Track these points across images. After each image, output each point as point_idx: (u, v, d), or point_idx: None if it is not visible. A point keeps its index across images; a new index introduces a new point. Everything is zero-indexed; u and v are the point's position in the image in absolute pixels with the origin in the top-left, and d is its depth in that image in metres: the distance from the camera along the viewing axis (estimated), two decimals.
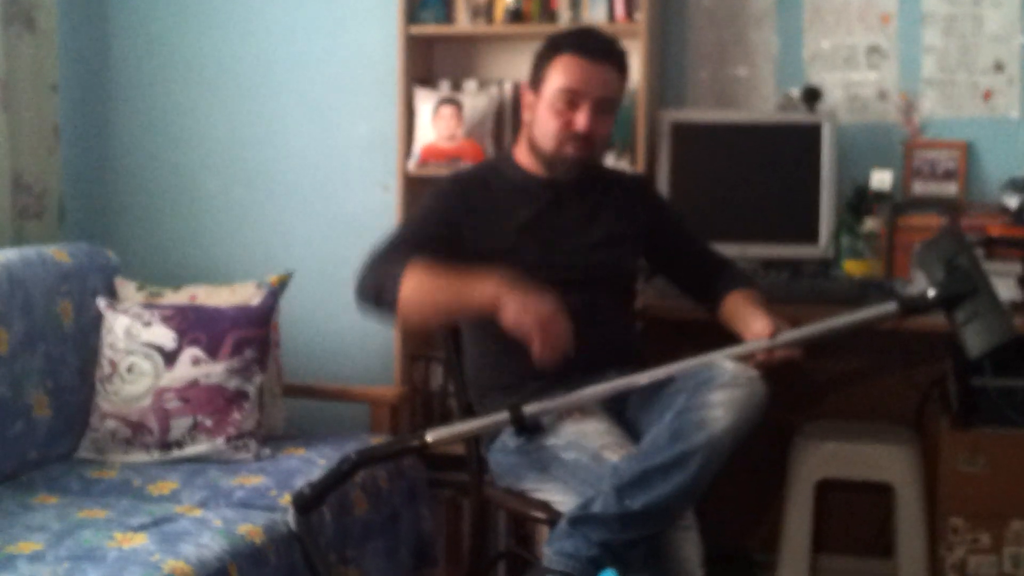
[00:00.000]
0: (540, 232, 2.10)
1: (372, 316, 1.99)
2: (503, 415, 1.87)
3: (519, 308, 1.76)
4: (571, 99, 2.02)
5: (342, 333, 2.96)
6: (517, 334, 1.77)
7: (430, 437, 1.87)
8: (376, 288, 1.93)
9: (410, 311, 1.91)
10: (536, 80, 2.08)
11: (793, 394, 2.60)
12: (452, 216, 2.07)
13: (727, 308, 2.10)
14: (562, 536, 1.80)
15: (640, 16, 2.59)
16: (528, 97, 2.11)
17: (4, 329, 2.22)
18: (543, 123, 2.05)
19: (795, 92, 2.74)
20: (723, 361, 1.84)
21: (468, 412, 2.17)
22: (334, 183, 2.99)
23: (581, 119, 2.02)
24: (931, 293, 1.87)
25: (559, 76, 2.03)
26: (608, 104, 2.05)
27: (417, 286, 1.89)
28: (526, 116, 2.11)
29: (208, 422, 2.32)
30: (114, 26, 3.08)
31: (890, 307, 1.91)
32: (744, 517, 2.74)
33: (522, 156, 2.13)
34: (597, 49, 2.04)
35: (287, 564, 1.99)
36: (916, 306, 1.89)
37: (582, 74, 2.02)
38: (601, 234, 2.13)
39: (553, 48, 2.06)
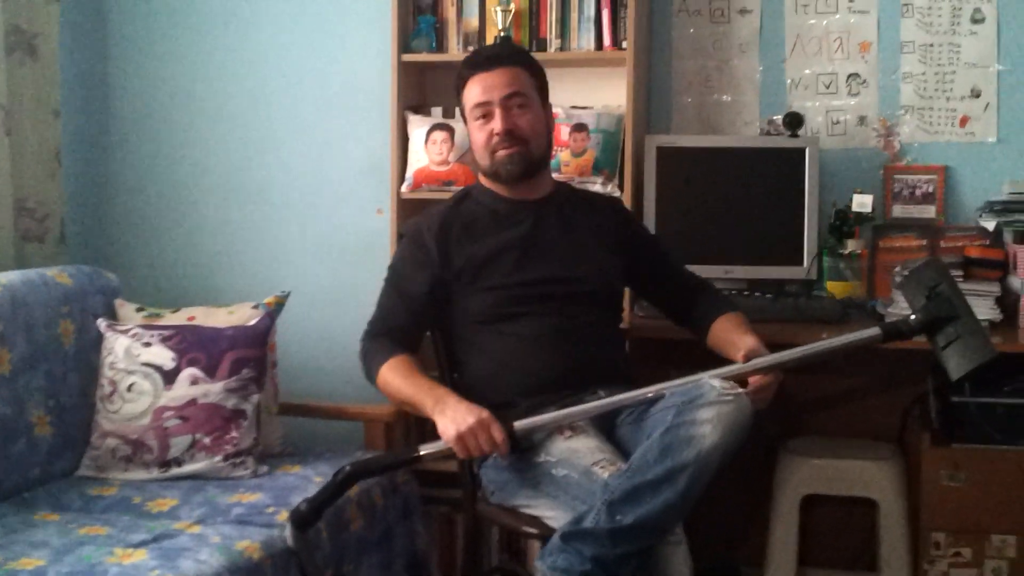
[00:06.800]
0: (522, 251, 2.15)
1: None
2: None
3: (444, 426, 1.92)
4: (484, 112, 2.13)
5: (337, 352, 2.97)
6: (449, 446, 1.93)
7: (423, 451, 1.92)
8: (366, 368, 2.15)
9: (385, 394, 2.12)
10: (462, 113, 2.20)
11: (779, 411, 2.60)
12: (427, 262, 2.14)
13: (715, 335, 2.15)
14: (555, 551, 1.81)
15: (627, 44, 2.64)
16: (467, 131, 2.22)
17: (6, 349, 2.24)
18: (474, 144, 2.17)
19: (778, 118, 2.80)
20: (710, 379, 1.87)
21: None
22: (329, 206, 3.02)
23: (496, 122, 2.12)
24: (913, 319, 1.92)
25: (468, 98, 2.15)
26: (519, 98, 2.13)
27: (387, 383, 2.10)
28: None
29: (207, 440, 2.34)
30: (114, 53, 3.11)
31: (874, 332, 1.95)
32: (732, 532, 2.74)
33: (485, 182, 2.22)
34: (486, 58, 2.16)
35: None
36: (899, 332, 1.94)
37: (482, 85, 2.13)
38: (581, 251, 2.18)
39: (458, 79, 2.18)
